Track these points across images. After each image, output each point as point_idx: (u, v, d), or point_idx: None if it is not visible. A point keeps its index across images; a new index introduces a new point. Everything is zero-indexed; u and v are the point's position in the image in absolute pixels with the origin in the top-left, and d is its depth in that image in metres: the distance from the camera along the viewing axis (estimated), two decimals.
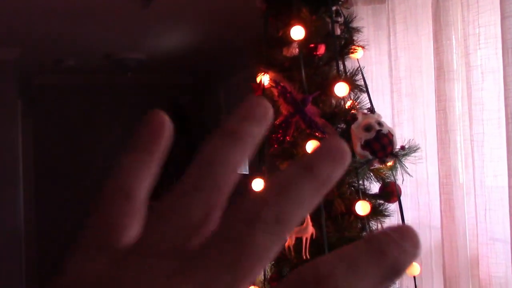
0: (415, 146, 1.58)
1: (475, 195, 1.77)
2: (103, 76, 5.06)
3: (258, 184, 1.70)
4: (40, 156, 5.04)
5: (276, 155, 1.66)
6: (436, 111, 1.87)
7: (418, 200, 2.09)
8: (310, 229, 1.56)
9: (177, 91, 5.26)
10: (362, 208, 1.53)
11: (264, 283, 1.68)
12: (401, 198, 1.72)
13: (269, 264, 1.71)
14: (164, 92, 5.23)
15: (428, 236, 2.08)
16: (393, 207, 1.70)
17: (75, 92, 5.15)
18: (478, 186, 1.75)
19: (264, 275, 1.65)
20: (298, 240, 1.57)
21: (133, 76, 4.77)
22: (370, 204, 1.56)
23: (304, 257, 1.56)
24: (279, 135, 1.56)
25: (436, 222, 1.97)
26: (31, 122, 5.00)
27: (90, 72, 4.93)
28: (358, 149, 1.53)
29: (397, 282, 1.86)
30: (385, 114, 2.04)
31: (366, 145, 1.53)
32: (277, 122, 1.57)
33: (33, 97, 5.02)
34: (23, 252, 4.06)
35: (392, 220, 1.89)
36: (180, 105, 5.10)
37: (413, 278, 1.68)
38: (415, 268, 1.65)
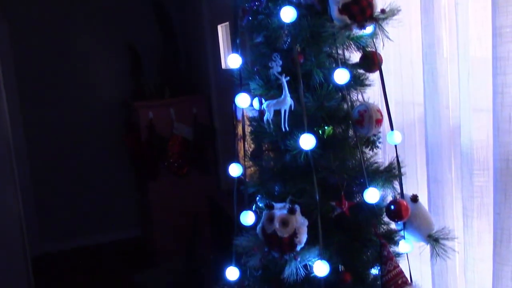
0: (396, 9, 1.50)
1: (458, 63, 1.72)
2: None
3: (233, 60, 1.64)
4: (21, 64, 4.90)
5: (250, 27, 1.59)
6: None
7: (401, 74, 2.04)
8: (289, 101, 1.52)
9: None
10: (341, 76, 1.48)
11: (245, 159, 1.67)
12: (384, 73, 1.66)
13: (250, 138, 1.70)
14: None
15: (412, 112, 2.06)
16: (374, 76, 1.65)
17: None
18: (462, 54, 1.69)
19: (244, 150, 1.64)
20: (277, 113, 1.54)
21: None
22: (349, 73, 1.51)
23: (283, 129, 1.53)
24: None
25: (419, 98, 1.94)
26: (7, 27, 4.81)
27: None
28: (335, 13, 1.45)
29: (381, 151, 1.86)
30: None
31: (344, 9, 1.45)
32: None
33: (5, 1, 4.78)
34: (14, 167, 4.05)
35: (373, 91, 1.86)
36: (160, 4, 4.88)
37: (394, 147, 1.67)
38: (396, 136, 1.63)
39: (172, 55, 4.86)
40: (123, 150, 5.06)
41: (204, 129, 4.45)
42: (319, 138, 1.49)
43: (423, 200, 1.75)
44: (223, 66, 4.17)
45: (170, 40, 4.87)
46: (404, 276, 1.53)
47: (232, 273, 1.74)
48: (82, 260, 4.95)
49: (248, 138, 1.70)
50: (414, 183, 1.98)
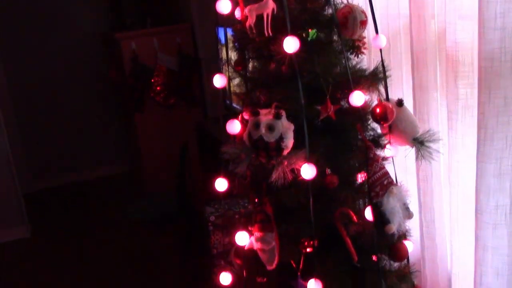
0: None
1: None
2: None
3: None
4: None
5: None
6: None
7: None
8: (271, 4, 1.48)
9: None
10: None
11: (228, 69, 1.65)
12: None
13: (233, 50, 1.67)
14: None
15: (397, 22, 2.03)
16: None
17: None
18: None
19: (227, 60, 1.62)
20: (259, 18, 1.51)
21: None
22: None
23: (266, 34, 1.50)
24: None
25: (405, 10, 1.90)
26: None
27: None
28: None
29: (366, 58, 1.84)
30: None
31: None
32: None
33: None
34: None
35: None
36: None
37: (379, 52, 1.65)
38: (381, 40, 1.61)
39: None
40: (108, 84, 4.99)
41: (189, 58, 4.38)
42: (303, 42, 1.46)
43: (408, 106, 1.75)
44: None
45: None
46: (390, 177, 1.56)
47: (220, 183, 1.75)
48: (73, 195, 4.99)
49: (230, 47, 1.67)
50: (400, 90, 1.98)
